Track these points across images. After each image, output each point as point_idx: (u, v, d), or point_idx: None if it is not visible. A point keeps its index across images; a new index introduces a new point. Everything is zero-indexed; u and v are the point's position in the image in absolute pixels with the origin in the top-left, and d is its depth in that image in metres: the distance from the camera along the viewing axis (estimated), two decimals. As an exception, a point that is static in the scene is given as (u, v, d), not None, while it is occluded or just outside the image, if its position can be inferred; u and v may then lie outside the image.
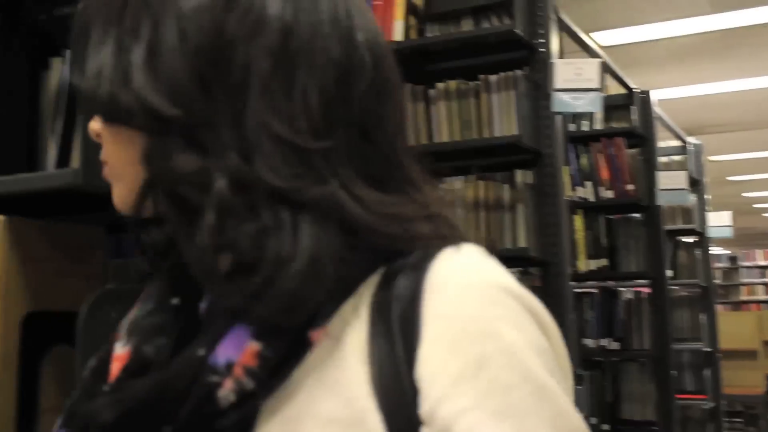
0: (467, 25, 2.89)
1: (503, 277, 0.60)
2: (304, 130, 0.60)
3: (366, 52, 0.65)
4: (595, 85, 2.66)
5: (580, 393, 2.70)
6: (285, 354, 0.58)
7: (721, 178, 11.31)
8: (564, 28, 3.23)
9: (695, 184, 4.85)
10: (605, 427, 3.96)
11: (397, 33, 2.83)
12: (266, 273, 0.57)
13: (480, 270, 0.60)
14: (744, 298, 11.94)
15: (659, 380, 3.94)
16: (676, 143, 5.08)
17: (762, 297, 11.90)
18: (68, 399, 0.68)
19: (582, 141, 3.98)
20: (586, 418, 3.55)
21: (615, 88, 4.36)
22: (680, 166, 4.69)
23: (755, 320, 7.95)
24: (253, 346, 0.57)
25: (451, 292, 0.58)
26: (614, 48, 6.19)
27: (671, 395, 3.95)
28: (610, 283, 4.25)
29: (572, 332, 2.69)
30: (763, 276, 12.07)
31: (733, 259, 12.17)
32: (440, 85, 2.85)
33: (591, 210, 3.94)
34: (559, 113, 2.74)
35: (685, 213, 4.82)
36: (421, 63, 2.97)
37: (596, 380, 3.97)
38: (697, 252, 4.92)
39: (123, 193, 0.66)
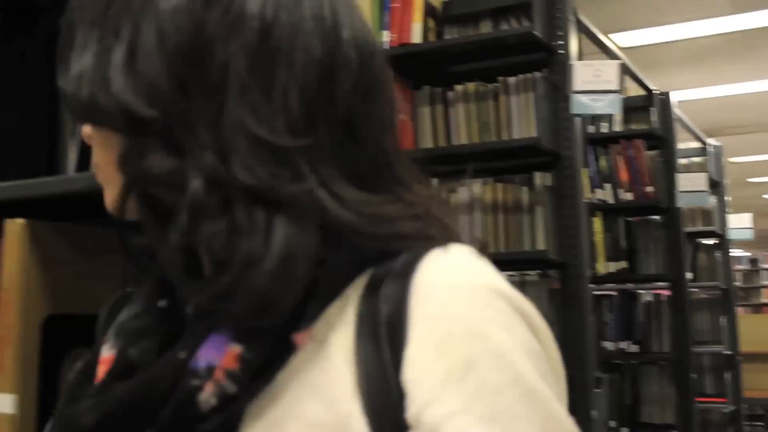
0: (486, 27, 2.88)
1: (492, 278, 0.58)
2: (283, 129, 0.59)
3: (352, 51, 0.63)
4: (614, 86, 2.65)
5: (599, 396, 2.69)
6: (267, 357, 0.57)
7: (742, 179, 11.23)
8: (583, 30, 3.22)
9: (715, 186, 4.81)
10: (624, 430, 3.94)
11: (416, 35, 2.83)
12: (235, 272, 0.56)
13: (468, 271, 0.58)
14: (765, 300, 11.82)
15: (679, 383, 3.92)
16: (695, 145, 5.05)
17: (783, 299, 11.79)
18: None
19: (601, 143, 3.96)
20: (605, 421, 3.54)
21: (634, 90, 4.34)
22: (700, 168, 4.67)
23: (776, 323, 7.88)
24: (234, 349, 0.57)
25: (439, 294, 0.56)
26: (633, 49, 6.17)
27: (691, 398, 3.92)
28: (629, 286, 4.22)
29: (591, 335, 2.68)
30: (784, 278, 11.96)
31: (753, 261, 12.04)
32: (459, 88, 2.85)
33: (610, 212, 3.92)
34: (578, 115, 2.73)
35: (705, 215, 4.79)
36: (439, 65, 2.97)
37: (615, 383, 3.95)
38: (717, 254, 4.88)
39: (112, 196, 0.65)
